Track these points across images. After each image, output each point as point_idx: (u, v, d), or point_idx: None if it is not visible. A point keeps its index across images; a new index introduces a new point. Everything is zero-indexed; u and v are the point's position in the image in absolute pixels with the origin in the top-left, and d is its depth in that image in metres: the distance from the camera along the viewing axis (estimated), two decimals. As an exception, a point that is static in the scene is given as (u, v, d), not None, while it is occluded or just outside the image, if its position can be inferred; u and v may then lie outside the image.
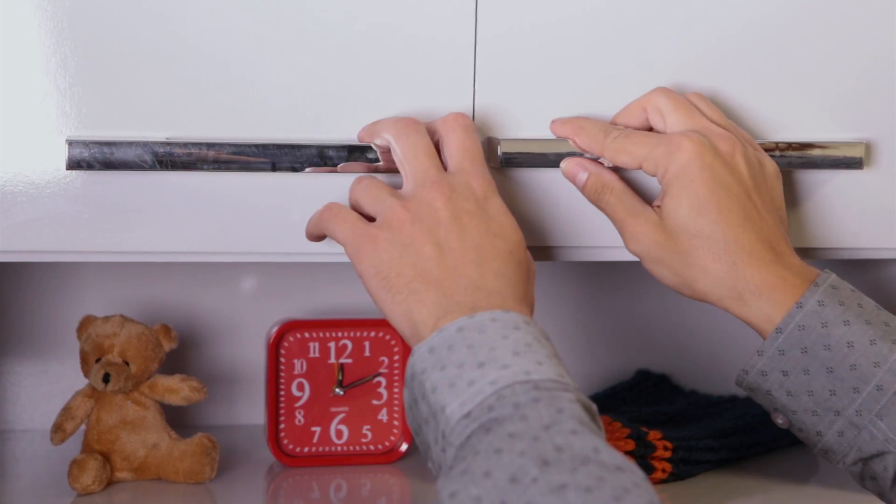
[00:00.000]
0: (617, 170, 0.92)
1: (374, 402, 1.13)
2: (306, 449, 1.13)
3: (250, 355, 1.24)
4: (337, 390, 1.12)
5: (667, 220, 0.87)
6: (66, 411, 1.08)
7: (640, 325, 1.30)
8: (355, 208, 0.87)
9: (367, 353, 1.13)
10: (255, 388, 1.24)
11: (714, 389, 1.29)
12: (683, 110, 0.90)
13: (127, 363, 1.07)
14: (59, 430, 1.07)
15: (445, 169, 0.86)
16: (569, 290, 1.29)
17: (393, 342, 1.13)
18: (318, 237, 0.89)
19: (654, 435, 1.10)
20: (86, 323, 1.10)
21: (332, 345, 1.12)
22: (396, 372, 1.13)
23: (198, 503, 1.05)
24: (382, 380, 1.13)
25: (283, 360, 1.12)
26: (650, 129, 0.91)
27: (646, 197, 0.92)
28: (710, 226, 0.86)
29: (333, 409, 1.13)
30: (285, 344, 1.12)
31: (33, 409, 1.22)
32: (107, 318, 1.09)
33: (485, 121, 0.92)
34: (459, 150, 0.86)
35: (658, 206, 0.89)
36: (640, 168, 0.89)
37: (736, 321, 0.90)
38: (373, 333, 1.13)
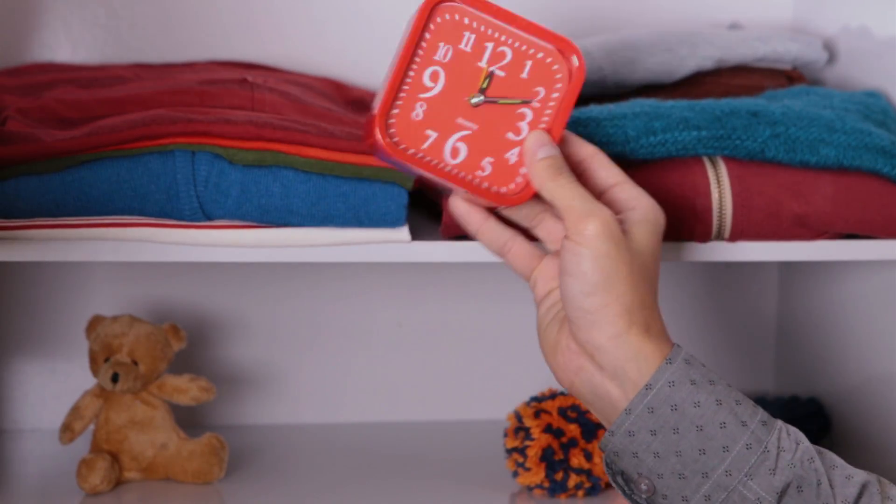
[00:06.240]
0: None
1: (510, 135, 0.91)
2: (411, 151, 0.90)
3: (259, 355, 1.23)
4: (475, 99, 0.91)
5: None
6: (75, 411, 1.08)
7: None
8: None
9: (524, 75, 0.91)
10: (263, 387, 1.23)
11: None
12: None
13: (136, 363, 1.07)
14: (67, 430, 1.07)
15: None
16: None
17: (558, 74, 0.92)
18: None
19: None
20: (94, 322, 1.10)
21: (489, 45, 0.91)
22: (548, 110, 0.92)
23: (206, 503, 1.05)
24: (528, 112, 0.91)
25: (427, 36, 0.90)
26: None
27: None
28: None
29: (460, 122, 0.91)
30: (437, 19, 0.90)
31: (42, 408, 1.22)
32: (115, 318, 1.09)
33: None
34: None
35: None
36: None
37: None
38: (540, 55, 0.91)
